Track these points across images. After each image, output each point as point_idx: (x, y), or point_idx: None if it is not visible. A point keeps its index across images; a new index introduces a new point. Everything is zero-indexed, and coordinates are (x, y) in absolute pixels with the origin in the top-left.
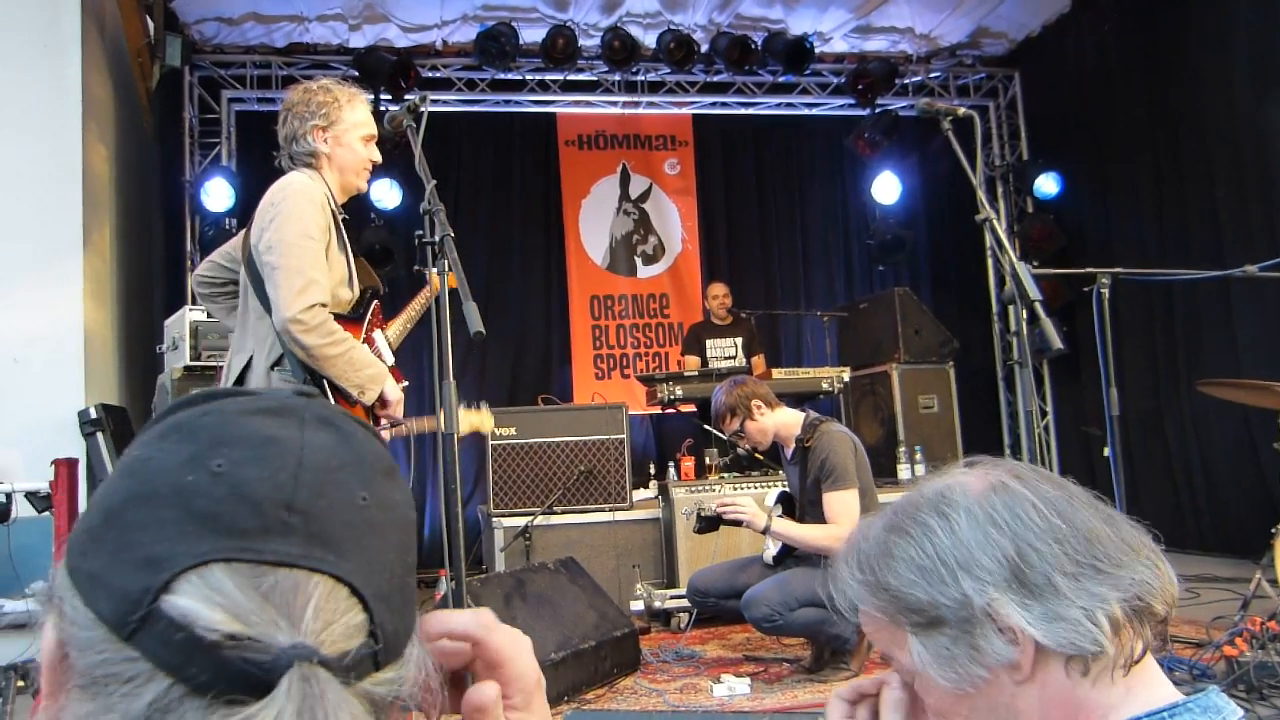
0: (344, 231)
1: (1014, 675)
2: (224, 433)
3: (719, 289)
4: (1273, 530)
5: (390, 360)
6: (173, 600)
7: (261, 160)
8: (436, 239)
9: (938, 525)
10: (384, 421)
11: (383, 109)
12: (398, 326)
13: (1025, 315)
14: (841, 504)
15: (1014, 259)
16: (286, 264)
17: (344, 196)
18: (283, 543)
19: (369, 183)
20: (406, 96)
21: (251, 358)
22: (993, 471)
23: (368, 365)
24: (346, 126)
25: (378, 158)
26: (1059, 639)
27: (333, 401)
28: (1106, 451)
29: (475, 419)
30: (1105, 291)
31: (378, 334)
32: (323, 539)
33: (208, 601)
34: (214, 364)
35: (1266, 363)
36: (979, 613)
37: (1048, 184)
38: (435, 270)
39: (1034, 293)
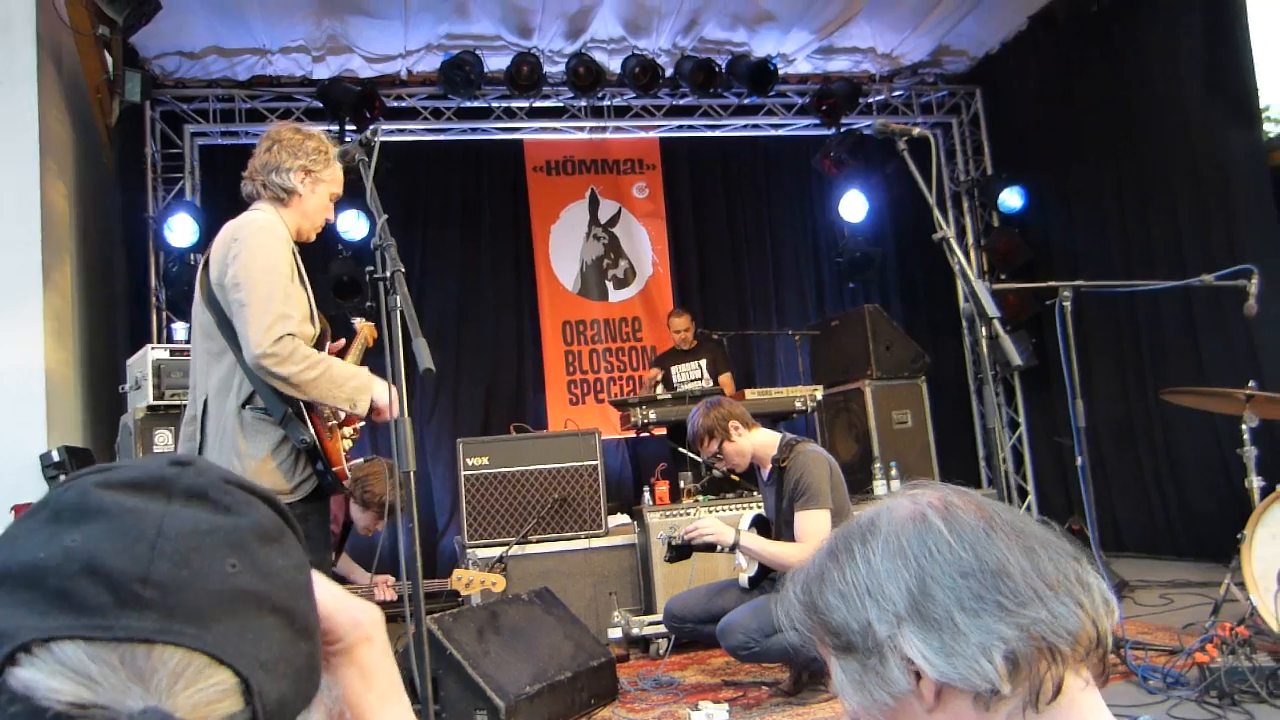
0: (303, 271)
1: (922, 704)
2: (83, 508)
3: (680, 322)
4: (1239, 535)
5: None
6: (15, 672)
7: (226, 194)
8: (388, 274)
9: (858, 552)
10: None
11: (348, 140)
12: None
13: (986, 333)
14: (812, 523)
15: (972, 277)
16: (254, 299)
17: (296, 236)
18: (137, 618)
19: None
20: (371, 127)
21: (206, 402)
22: (923, 499)
23: (351, 377)
24: (326, 179)
25: (332, 218)
26: (954, 675)
27: (311, 427)
28: (1080, 461)
29: (486, 578)
30: (1067, 304)
31: None
32: (183, 612)
33: (52, 673)
34: (177, 403)
35: (1229, 370)
36: (883, 641)
37: (1012, 198)
38: (365, 320)
39: (992, 310)
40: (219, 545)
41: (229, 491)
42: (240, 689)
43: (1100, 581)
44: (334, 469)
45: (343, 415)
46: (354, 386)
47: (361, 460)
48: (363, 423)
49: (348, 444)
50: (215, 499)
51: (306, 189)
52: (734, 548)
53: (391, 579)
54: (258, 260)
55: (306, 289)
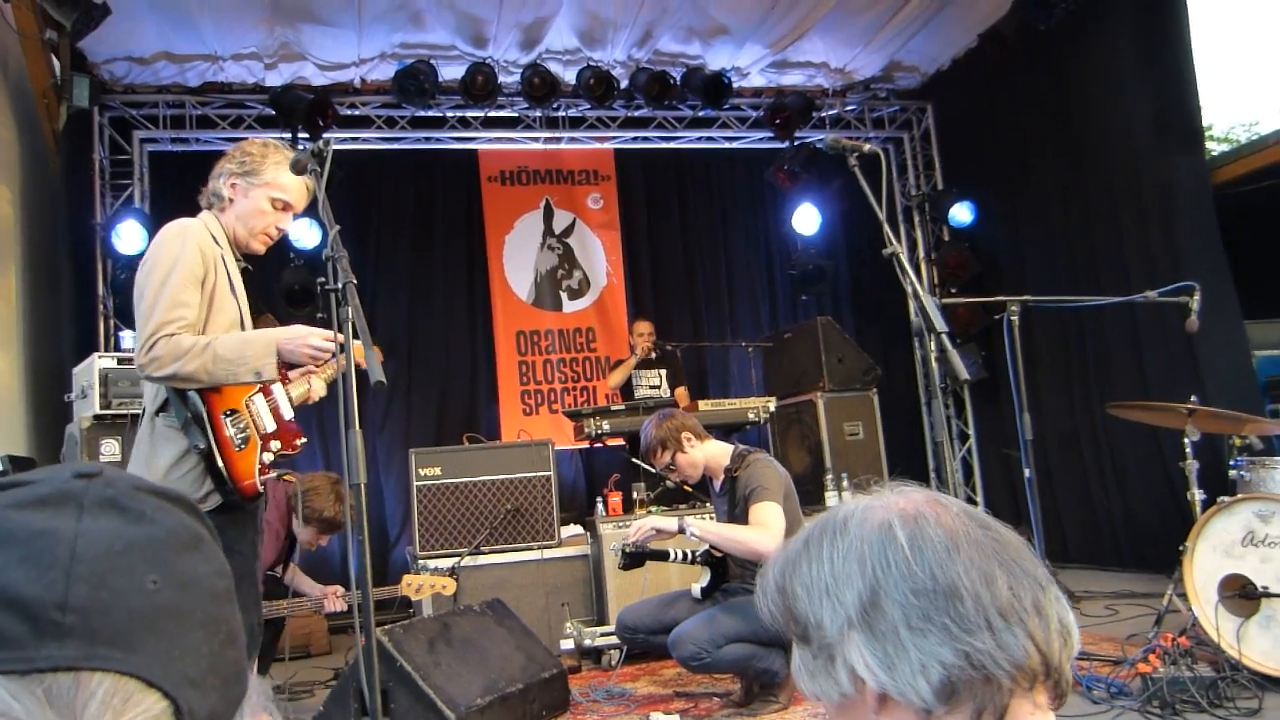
0: (235, 278)
1: (866, 707)
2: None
3: (644, 327)
4: (1181, 547)
5: (289, 415)
6: None
7: (176, 201)
8: (339, 285)
9: (825, 550)
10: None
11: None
12: (300, 386)
13: (934, 347)
14: (766, 511)
15: (921, 292)
16: (140, 310)
17: (240, 249)
18: (58, 647)
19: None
20: (325, 135)
21: (144, 410)
22: (897, 506)
23: (243, 346)
24: (259, 182)
25: (285, 227)
26: (892, 687)
27: (211, 436)
28: (1027, 473)
29: (436, 582)
30: (1014, 319)
31: (277, 387)
32: (105, 635)
33: None
34: (124, 413)
35: (1171, 384)
36: (832, 642)
37: (962, 213)
38: (357, 342)
39: (940, 325)
40: (137, 562)
41: (140, 499)
42: (171, 711)
43: (1061, 610)
44: (242, 482)
45: (267, 418)
46: (251, 354)
47: (309, 474)
48: (301, 439)
49: (269, 456)
50: (127, 507)
51: (237, 193)
52: (681, 531)
53: (341, 589)
54: (155, 272)
55: (238, 297)
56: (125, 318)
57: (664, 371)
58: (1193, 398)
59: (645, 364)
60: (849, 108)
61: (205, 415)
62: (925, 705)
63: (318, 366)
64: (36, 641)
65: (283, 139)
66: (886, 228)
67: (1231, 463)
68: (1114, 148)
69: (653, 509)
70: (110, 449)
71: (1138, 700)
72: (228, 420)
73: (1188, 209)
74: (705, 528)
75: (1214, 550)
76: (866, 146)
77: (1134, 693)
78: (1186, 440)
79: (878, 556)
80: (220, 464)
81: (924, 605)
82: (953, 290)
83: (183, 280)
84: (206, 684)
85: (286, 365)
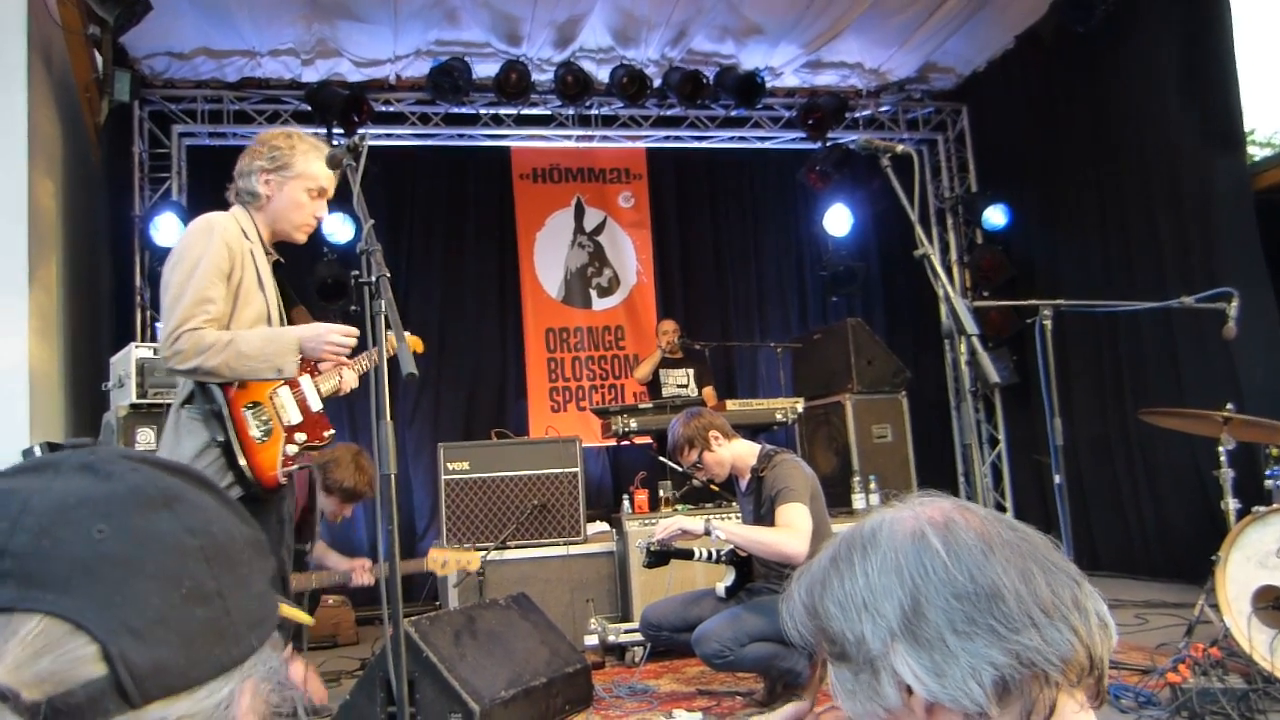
0: (264, 272)
1: (918, 714)
2: None
3: (669, 325)
4: (1214, 556)
5: (318, 407)
6: None
7: (212, 195)
8: (373, 279)
9: (858, 564)
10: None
11: (335, 144)
12: (331, 379)
13: (965, 350)
14: (792, 513)
15: (952, 294)
16: (165, 305)
17: (275, 240)
18: None
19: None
20: (359, 131)
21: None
22: (925, 514)
23: (267, 343)
24: (292, 175)
25: (323, 214)
26: (943, 694)
27: (231, 428)
28: (1057, 479)
29: (461, 558)
30: (1047, 323)
31: (305, 379)
32: (40, 579)
33: None
34: (160, 402)
35: (1207, 391)
36: (876, 656)
37: (996, 215)
38: (390, 334)
39: (971, 327)
40: (86, 514)
41: (116, 463)
42: (100, 655)
43: (1098, 604)
44: (264, 474)
45: (293, 412)
46: (272, 352)
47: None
48: (329, 432)
49: (293, 448)
50: (98, 469)
51: (273, 189)
52: (707, 533)
53: (369, 562)
54: (180, 268)
55: (265, 292)
56: (161, 309)
57: (691, 371)
58: (1229, 405)
59: (672, 363)
60: (883, 109)
61: (225, 409)
62: (978, 708)
63: (341, 360)
64: None
65: (318, 134)
66: (919, 229)
67: (1268, 472)
68: (1152, 151)
69: (679, 507)
70: (146, 437)
71: (1166, 710)
72: (249, 413)
73: (1227, 214)
74: (731, 530)
75: (1248, 561)
76: (899, 147)
77: (1162, 702)
78: (1221, 448)
79: (915, 565)
80: (240, 457)
81: (967, 608)
82: (985, 294)
83: (207, 275)
84: (152, 635)
85: (311, 361)
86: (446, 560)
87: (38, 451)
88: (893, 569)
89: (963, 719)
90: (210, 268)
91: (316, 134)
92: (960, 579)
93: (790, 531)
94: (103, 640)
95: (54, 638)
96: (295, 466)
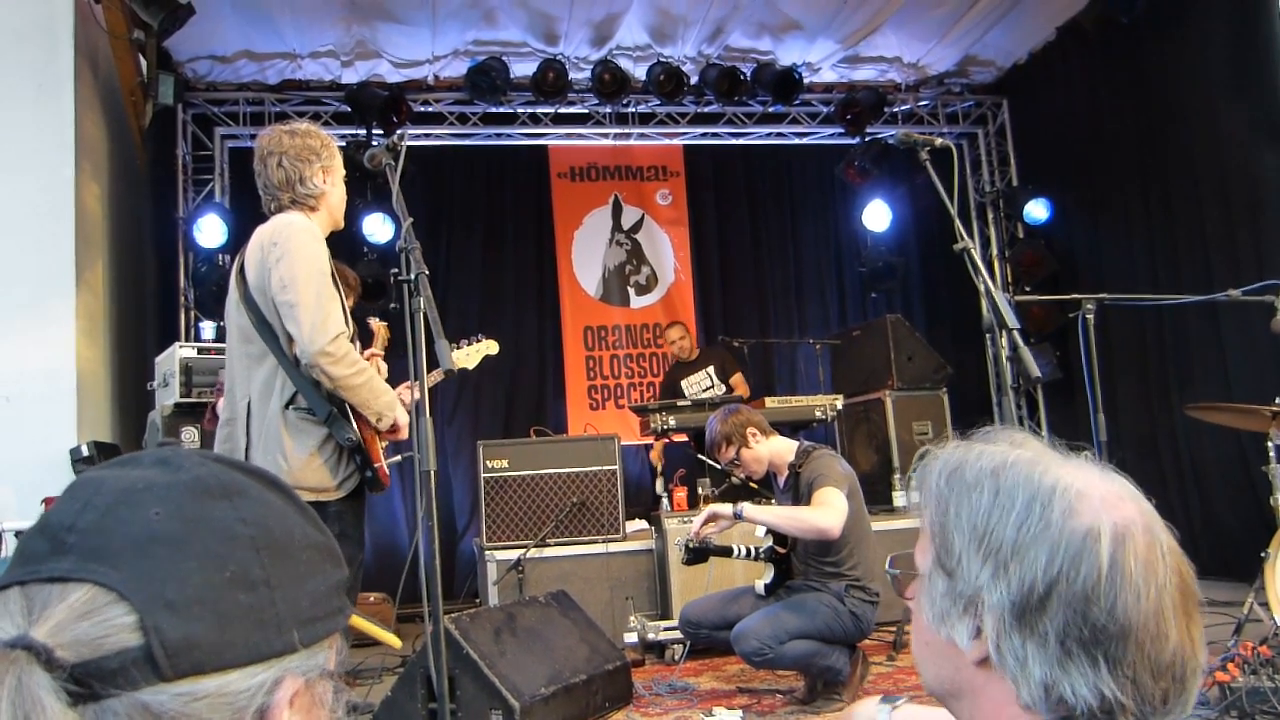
0: (335, 274)
1: (969, 657)
2: (69, 484)
3: (674, 333)
4: (1263, 553)
5: None
6: None
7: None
8: (412, 277)
9: (1019, 512)
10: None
11: (374, 144)
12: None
13: (1006, 345)
14: (828, 494)
15: (993, 289)
16: (304, 300)
17: (325, 233)
18: (60, 561)
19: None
20: (399, 131)
21: (250, 404)
22: (1111, 513)
23: (385, 393)
24: (335, 166)
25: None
26: (1013, 668)
27: (355, 426)
28: None
29: (475, 351)
30: (1090, 317)
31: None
32: (97, 553)
33: None
34: (205, 401)
35: (1255, 385)
36: (978, 602)
37: (1037, 210)
38: (379, 321)
39: (1012, 321)
40: (149, 498)
41: (188, 458)
42: (137, 625)
43: (1194, 682)
44: (375, 465)
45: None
46: (385, 402)
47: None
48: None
49: (382, 444)
50: (171, 462)
51: (330, 185)
52: (738, 516)
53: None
54: (301, 262)
55: (340, 293)
56: (205, 309)
57: (710, 369)
58: (1277, 399)
59: (688, 367)
60: (922, 103)
61: (349, 408)
62: (1030, 705)
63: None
64: (48, 557)
65: (357, 135)
66: (958, 223)
67: None
68: (1198, 143)
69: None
70: (189, 436)
71: (1215, 709)
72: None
73: (1274, 206)
74: (762, 510)
75: None
76: (938, 141)
77: (1211, 701)
78: (1270, 443)
79: (1071, 560)
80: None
81: (1091, 633)
82: (1027, 289)
83: (331, 286)
84: (189, 611)
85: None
86: (469, 352)
87: (85, 451)
88: (1048, 545)
89: (1007, 695)
90: (330, 279)
91: (356, 135)
92: (1100, 606)
93: (826, 508)
94: (140, 611)
95: (97, 605)
96: (387, 463)
